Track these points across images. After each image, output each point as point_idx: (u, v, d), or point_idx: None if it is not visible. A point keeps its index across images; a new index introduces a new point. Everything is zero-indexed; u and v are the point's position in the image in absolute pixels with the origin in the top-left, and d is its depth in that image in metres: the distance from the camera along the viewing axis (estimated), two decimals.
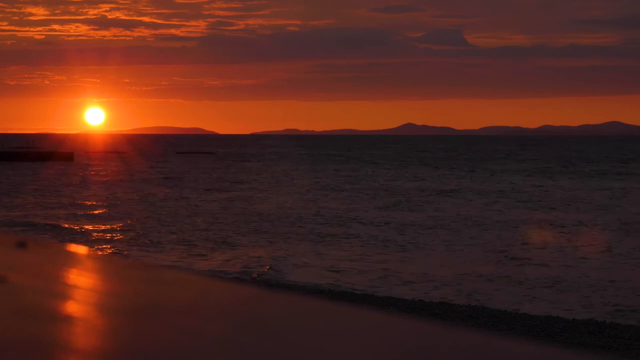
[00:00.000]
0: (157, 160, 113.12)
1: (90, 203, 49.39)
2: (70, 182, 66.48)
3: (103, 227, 37.65)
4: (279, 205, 47.69)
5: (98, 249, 30.11)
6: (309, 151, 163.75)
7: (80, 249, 2.31)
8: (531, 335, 17.22)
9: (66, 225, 38.11)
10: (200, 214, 42.88)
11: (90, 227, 37.67)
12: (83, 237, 34.33)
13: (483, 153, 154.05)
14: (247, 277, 25.07)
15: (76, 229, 36.93)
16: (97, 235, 35.08)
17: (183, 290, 1.77)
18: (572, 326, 18.21)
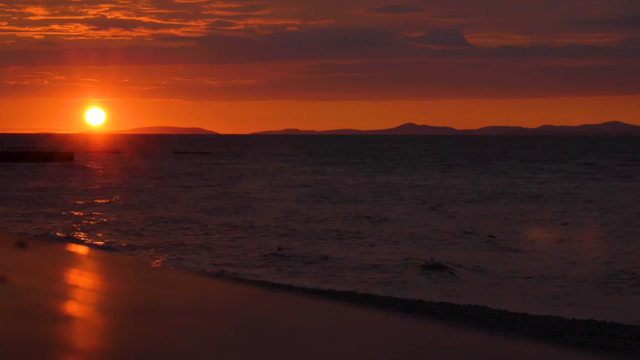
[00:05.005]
0: (154, 159, 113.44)
1: (89, 202, 49.42)
2: (70, 182, 66.50)
3: (103, 227, 37.67)
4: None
5: (98, 249, 30.09)
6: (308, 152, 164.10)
7: (80, 249, 2.31)
8: (531, 335, 17.22)
9: (66, 224, 38.15)
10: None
11: (89, 227, 37.69)
12: (83, 237, 34.34)
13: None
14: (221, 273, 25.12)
15: (76, 229, 36.95)
16: (96, 235, 35.10)
17: (183, 290, 1.77)
18: (572, 326, 18.20)
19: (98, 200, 51.19)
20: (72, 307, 1.60)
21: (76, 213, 43.34)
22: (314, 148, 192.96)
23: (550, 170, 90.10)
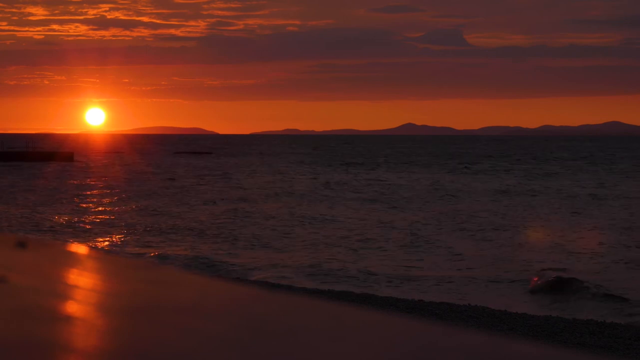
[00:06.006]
0: (153, 160, 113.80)
1: (89, 202, 49.46)
2: (70, 182, 66.54)
3: (102, 227, 37.69)
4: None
5: (98, 249, 30.13)
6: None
7: (80, 249, 2.31)
8: (531, 335, 17.21)
9: (66, 224, 38.17)
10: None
11: (89, 227, 37.71)
12: (83, 237, 34.35)
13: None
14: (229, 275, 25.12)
15: (76, 229, 36.97)
16: (96, 235, 35.11)
17: (183, 290, 1.77)
18: (572, 326, 18.19)
19: (97, 200, 51.22)
20: (72, 307, 1.60)
21: (76, 213, 43.35)
22: (309, 147, 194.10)
23: (528, 169, 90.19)
